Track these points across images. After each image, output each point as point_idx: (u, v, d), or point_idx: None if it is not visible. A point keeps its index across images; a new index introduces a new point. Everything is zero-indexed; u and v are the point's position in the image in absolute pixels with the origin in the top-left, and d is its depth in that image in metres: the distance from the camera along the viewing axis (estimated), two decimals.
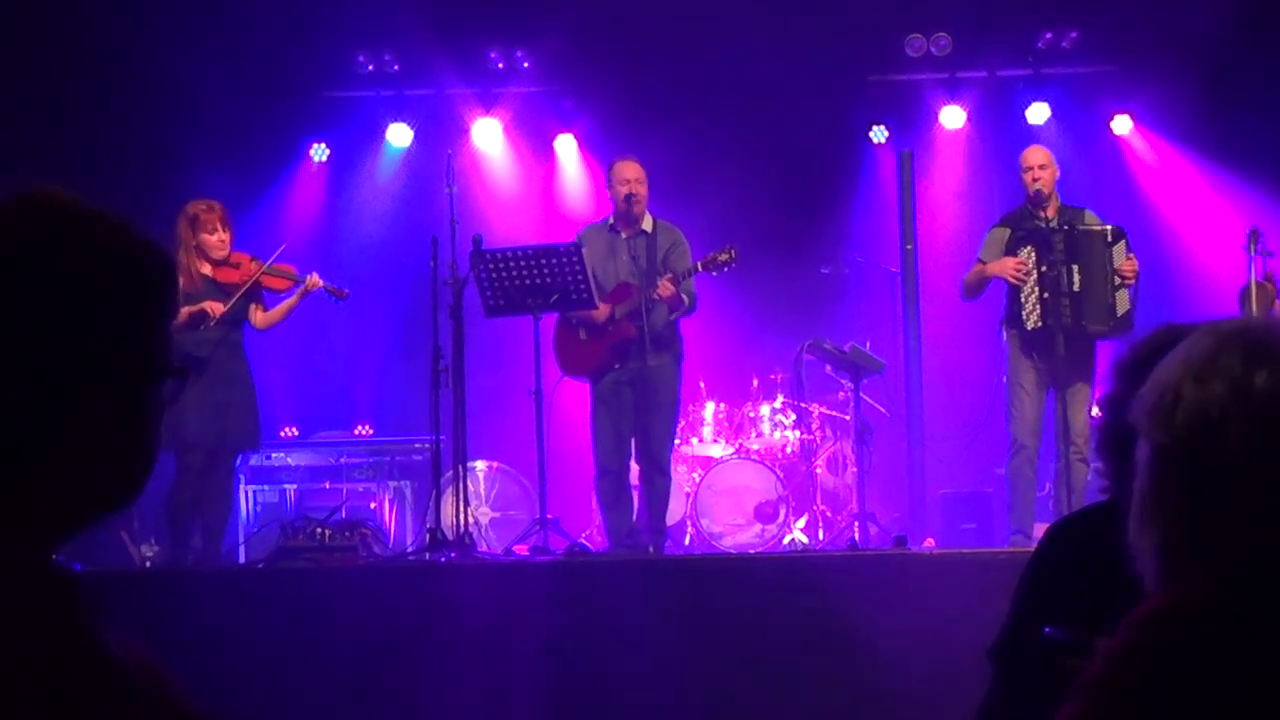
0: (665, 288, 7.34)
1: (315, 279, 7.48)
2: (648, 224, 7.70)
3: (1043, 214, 7.49)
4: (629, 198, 7.56)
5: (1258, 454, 1.51)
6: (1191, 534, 1.54)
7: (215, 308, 7.21)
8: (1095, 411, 7.35)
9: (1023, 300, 7.43)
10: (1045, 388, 7.46)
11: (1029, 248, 7.46)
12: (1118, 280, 7.42)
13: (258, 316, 7.48)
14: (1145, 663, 1.51)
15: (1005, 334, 7.62)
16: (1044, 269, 7.37)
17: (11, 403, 1.31)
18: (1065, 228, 7.47)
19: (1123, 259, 7.45)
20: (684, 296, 7.48)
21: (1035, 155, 7.65)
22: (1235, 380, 1.52)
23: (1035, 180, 7.49)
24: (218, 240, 7.29)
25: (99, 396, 1.35)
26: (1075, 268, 7.39)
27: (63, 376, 1.33)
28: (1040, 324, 7.36)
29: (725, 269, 7.47)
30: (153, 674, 1.39)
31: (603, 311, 7.47)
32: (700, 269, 7.46)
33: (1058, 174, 7.65)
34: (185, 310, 7.08)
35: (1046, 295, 7.34)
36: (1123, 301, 7.42)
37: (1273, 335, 1.56)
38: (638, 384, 7.40)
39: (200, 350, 7.07)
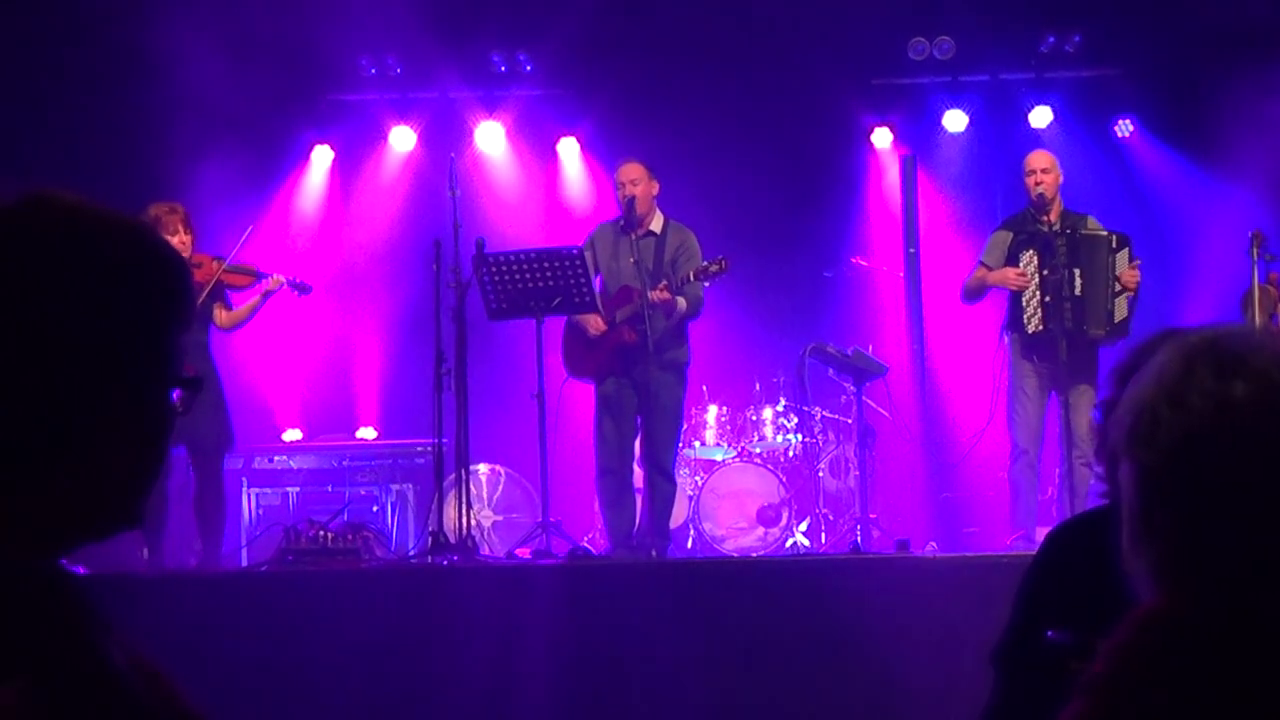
0: (659, 294, 7.35)
1: (278, 277, 7.51)
2: (657, 224, 7.70)
3: (1045, 218, 7.50)
4: (628, 200, 7.57)
5: (1244, 464, 1.51)
6: (1185, 548, 1.54)
7: None
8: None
9: (1024, 304, 7.44)
10: (1047, 392, 7.47)
11: (1031, 251, 7.47)
12: (1118, 287, 7.43)
13: (221, 316, 7.50)
14: (1145, 662, 1.52)
15: (1007, 338, 7.63)
16: (1046, 273, 7.38)
17: (18, 406, 1.30)
18: (1068, 232, 7.48)
19: (1125, 267, 7.46)
20: (680, 301, 7.47)
21: (1039, 159, 7.65)
22: (1212, 395, 1.52)
23: (1038, 184, 7.50)
24: (178, 242, 7.28)
25: (107, 402, 1.33)
26: (1077, 272, 7.40)
27: (71, 381, 1.31)
28: (1041, 328, 7.37)
29: (716, 278, 7.49)
30: (157, 679, 1.38)
31: (598, 325, 7.48)
32: (691, 279, 7.46)
33: (1061, 178, 7.66)
34: None
35: (1048, 299, 7.36)
36: (1121, 308, 7.44)
37: (1240, 343, 1.55)
38: (640, 389, 7.41)
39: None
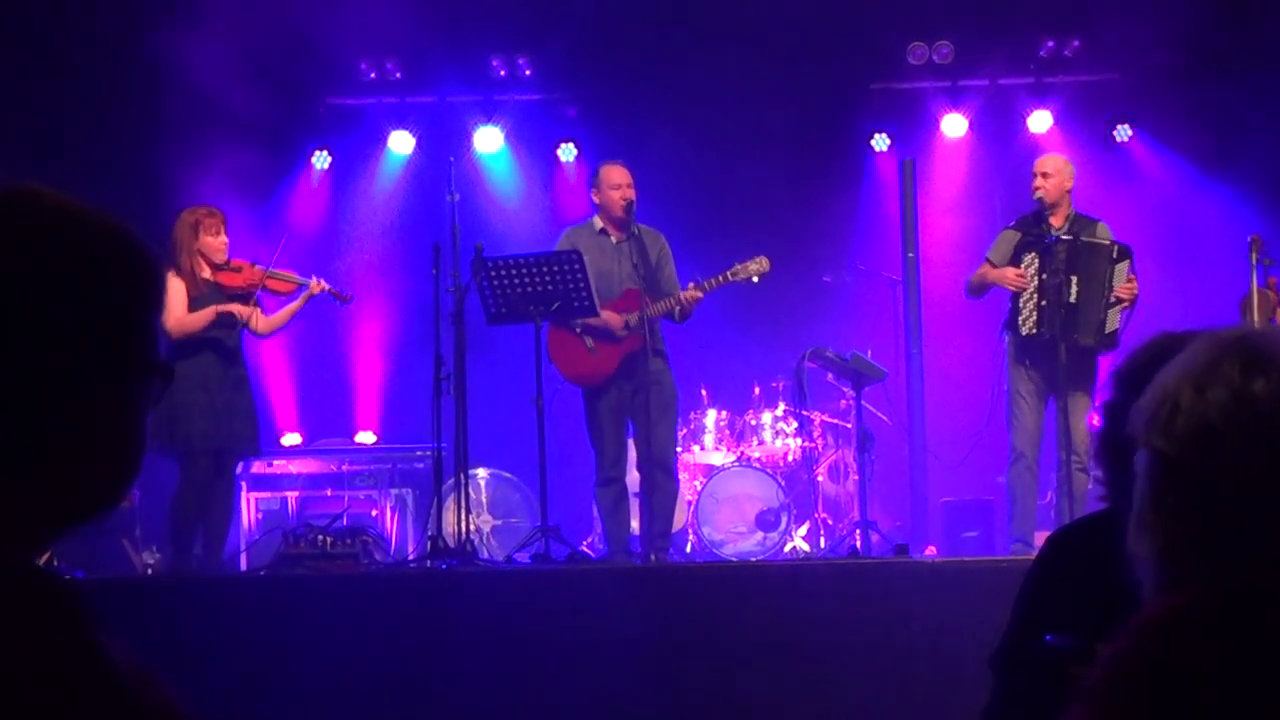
0: (693, 293, 7.39)
1: (319, 283, 7.49)
2: (633, 226, 7.68)
3: (1051, 222, 7.51)
4: (626, 203, 7.54)
5: (1258, 461, 1.51)
6: (1191, 540, 1.54)
7: (243, 310, 7.24)
8: (1095, 420, 7.37)
9: (1020, 306, 7.46)
10: (1045, 396, 7.47)
11: (1033, 254, 7.47)
12: (1113, 299, 7.42)
13: (259, 321, 7.48)
14: (1147, 668, 1.52)
15: (1005, 338, 7.64)
16: (1044, 277, 7.39)
17: (3, 402, 1.29)
18: (1070, 239, 7.47)
19: (1123, 279, 7.44)
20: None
21: (1041, 163, 7.65)
22: (1234, 388, 1.52)
23: (1037, 189, 7.51)
24: (220, 244, 7.30)
25: (84, 395, 1.33)
26: (1074, 279, 7.39)
27: (47, 374, 1.31)
28: (1034, 331, 7.39)
29: (754, 279, 7.51)
30: (150, 684, 1.38)
31: (617, 322, 7.45)
32: (730, 278, 7.49)
33: (1067, 183, 7.59)
34: (213, 309, 7.13)
35: (1045, 304, 7.36)
36: (1113, 320, 7.42)
37: (1270, 343, 1.56)
38: (642, 390, 7.38)
39: (202, 354, 7.08)
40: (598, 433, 7.55)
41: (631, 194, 7.55)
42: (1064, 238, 7.46)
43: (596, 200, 7.69)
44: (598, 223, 7.68)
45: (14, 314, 1.30)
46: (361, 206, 10.33)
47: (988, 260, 7.68)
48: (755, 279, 7.52)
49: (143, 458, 1.41)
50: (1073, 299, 7.37)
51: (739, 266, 7.50)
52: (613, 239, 7.61)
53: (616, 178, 7.61)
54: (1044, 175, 7.53)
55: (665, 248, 7.71)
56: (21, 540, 1.32)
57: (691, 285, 7.46)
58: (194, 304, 7.13)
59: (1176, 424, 1.54)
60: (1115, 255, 7.46)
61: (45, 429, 1.31)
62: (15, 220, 1.34)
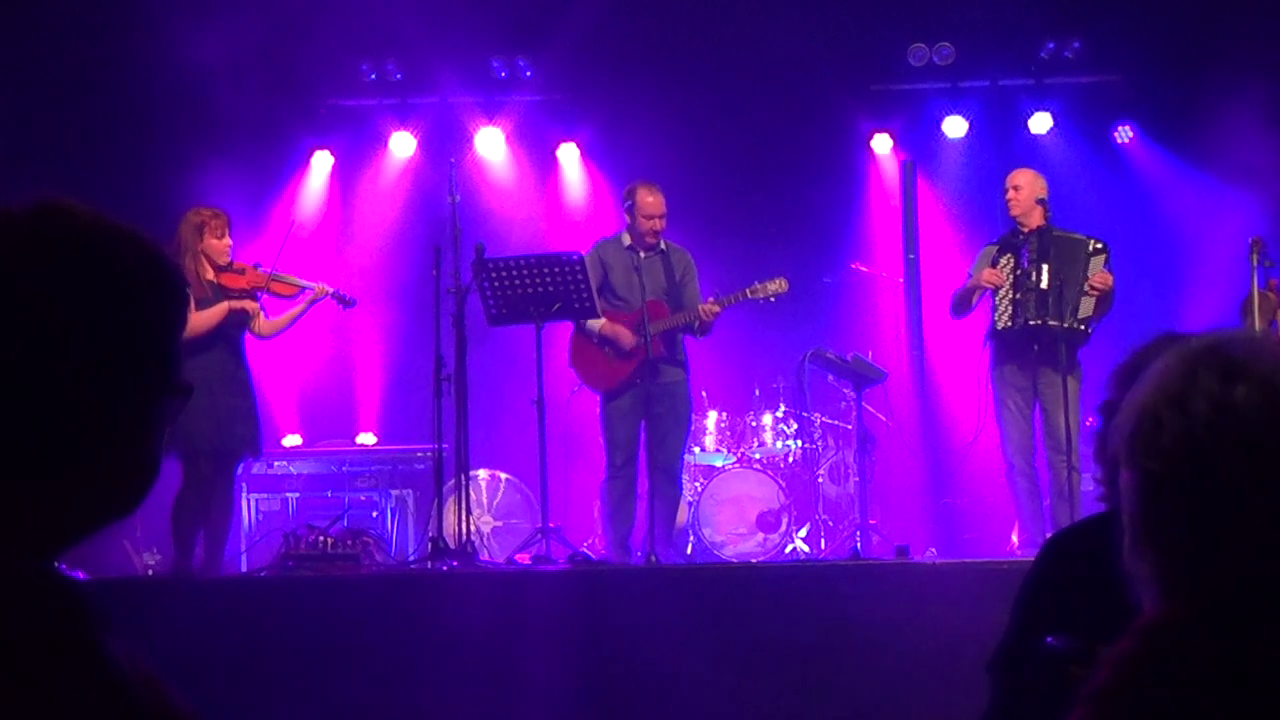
0: (711, 310, 7.48)
1: (323, 286, 7.49)
2: (660, 243, 7.77)
3: (1025, 231, 7.65)
4: (655, 232, 7.68)
5: (1247, 467, 1.50)
6: (1188, 550, 1.53)
7: (252, 305, 7.23)
8: (1088, 420, 7.43)
9: (997, 303, 7.56)
10: (1030, 398, 7.57)
11: (1008, 255, 7.62)
12: (1087, 288, 7.51)
13: (260, 323, 7.47)
14: (1150, 673, 1.51)
15: (989, 347, 7.75)
16: (1018, 272, 7.51)
17: (19, 413, 1.31)
18: (1043, 231, 7.60)
19: (1099, 270, 7.54)
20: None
21: (1013, 177, 7.91)
22: (1216, 399, 1.50)
23: (1009, 202, 7.73)
24: (224, 246, 7.29)
25: (106, 409, 1.35)
26: (1045, 266, 7.52)
27: (72, 388, 1.33)
28: (1010, 324, 7.49)
29: (771, 299, 7.57)
30: (153, 685, 1.39)
31: (626, 336, 7.50)
32: (749, 295, 7.54)
33: (1038, 193, 7.73)
34: (225, 305, 7.10)
35: (1018, 296, 7.49)
36: (1086, 307, 7.54)
37: (1242, 349, 1.54)
38: (655, 397, 7.45)
39: (204, 355, 7.07)
40: (610, 431, 7.66)
41: (662, 225, 7.67)
42: (1037, 230, 7.57)
43: (628, 219, 7.80)
44: (626, 239, 7.80)
45: (40, 325, 1.32)
46: (363, 208, 10.33)
47: (970, 277, 7.81)
48: (773, 298, 7.61)
49: (158, 471, 1.43)
50: (1044, 285, 7.47)
51: (758, 285, 7.60)
52: (641, 255, 7.71)
53: (654, 209, 7.69)
54: (1015, 188, 7.76)
55: (691, 265, 7.83)
56: (31, 545, 1.34)
57: (711, 300, 7.57)
58: (198, 306, 7.11)
59: (1161, 442, 1.52)
60: (1092, 249, 7.57)
61: (62, 439, 1.33)
62: (45, 234, 1.36)
